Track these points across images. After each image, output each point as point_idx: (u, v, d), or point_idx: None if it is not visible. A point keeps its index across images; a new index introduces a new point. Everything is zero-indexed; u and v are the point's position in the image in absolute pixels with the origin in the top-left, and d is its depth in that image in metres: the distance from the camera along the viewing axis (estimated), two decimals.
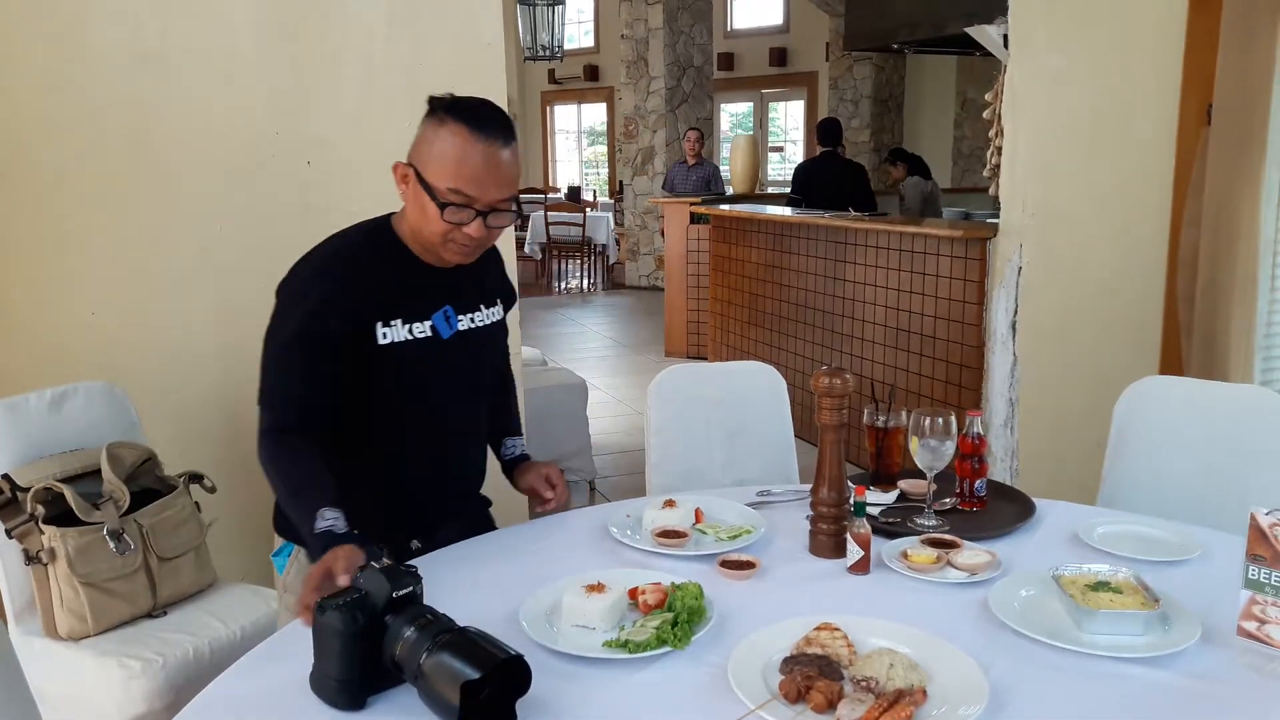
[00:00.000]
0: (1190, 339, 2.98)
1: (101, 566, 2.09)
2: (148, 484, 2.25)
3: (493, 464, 1.99)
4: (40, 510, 2.07)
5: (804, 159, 7.08)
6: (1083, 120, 3.43)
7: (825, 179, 6.90)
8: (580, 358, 7.28)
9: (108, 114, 2.55)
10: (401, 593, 1.30)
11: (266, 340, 1.67)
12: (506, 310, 1.95)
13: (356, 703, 1.27)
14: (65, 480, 2.12)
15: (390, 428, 1.75)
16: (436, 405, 1.78)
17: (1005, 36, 3.74)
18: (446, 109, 1.62)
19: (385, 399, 1.72)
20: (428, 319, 1.72)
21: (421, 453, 1.78)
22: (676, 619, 1.40)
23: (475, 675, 1.17)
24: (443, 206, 1.59)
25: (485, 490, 1.98)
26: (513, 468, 1.98)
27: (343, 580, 1.37)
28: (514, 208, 1.66)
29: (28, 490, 2.08)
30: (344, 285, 1.66)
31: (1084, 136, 3.44)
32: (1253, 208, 2.79)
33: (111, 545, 2.12)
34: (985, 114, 4.23)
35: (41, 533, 2.07)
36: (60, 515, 2.09)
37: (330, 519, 1.51)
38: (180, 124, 2.63)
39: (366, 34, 2.76)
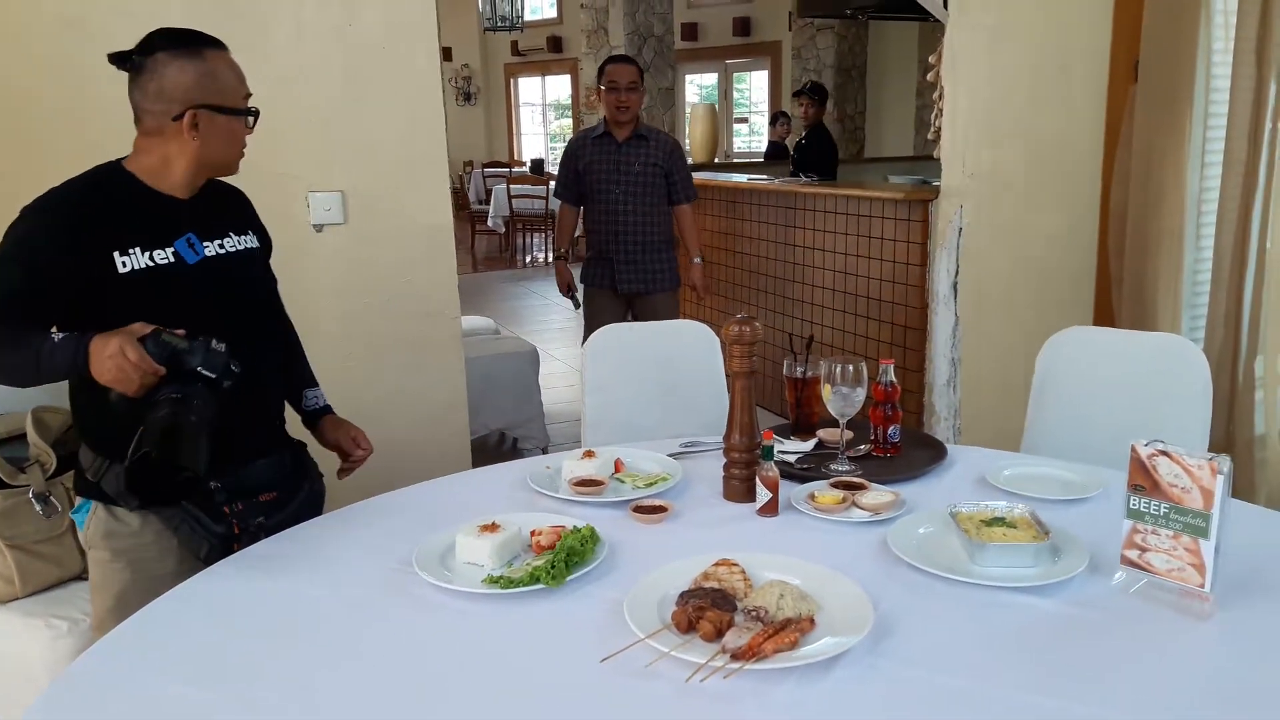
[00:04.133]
0: (1121, 293, 3.04)
1: (28, 529, 2.10)
2: (75, 449, 2.24)
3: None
4: None
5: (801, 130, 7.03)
6: (1019, 80, 3.46)
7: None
8: (541, 329, 7.29)
9: (33, 80, 2.53)
10: (206, 371, 1.56)
11: None
12: (263, 244, 1.94)
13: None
14: None
15: None
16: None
17: None
18: (185, 44, 1.70)
19: None
20: (169, 245, 1.72)
21: None
22: (554, 559, 1.43)
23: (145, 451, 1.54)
24: (254, 115, 1.76)
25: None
26: (316, 420, 2.01)
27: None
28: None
29: None
30: (80, 209, 1.66)
31: (1020, 96, 3.47)
32: (1178, 163, 2.83)
33: (38, 508, 2.12)
34: (929, 76, 4.25)
35: None
36: None
37: (63, 334, 1.57)
38: (109, 89, 2.59)
39: None
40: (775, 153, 9.33)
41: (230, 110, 1.72)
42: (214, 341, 1.59)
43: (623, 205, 4.01)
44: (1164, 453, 1.40)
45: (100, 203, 1.69)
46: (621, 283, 4.07)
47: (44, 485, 2.13)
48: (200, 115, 1.69)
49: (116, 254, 1.66)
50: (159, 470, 1.61)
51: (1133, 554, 1.44)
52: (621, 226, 4.03)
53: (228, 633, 1.37)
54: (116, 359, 1.51)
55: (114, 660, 1.32)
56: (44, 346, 1.56)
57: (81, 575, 2.19)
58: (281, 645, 1.33)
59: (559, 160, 4.26)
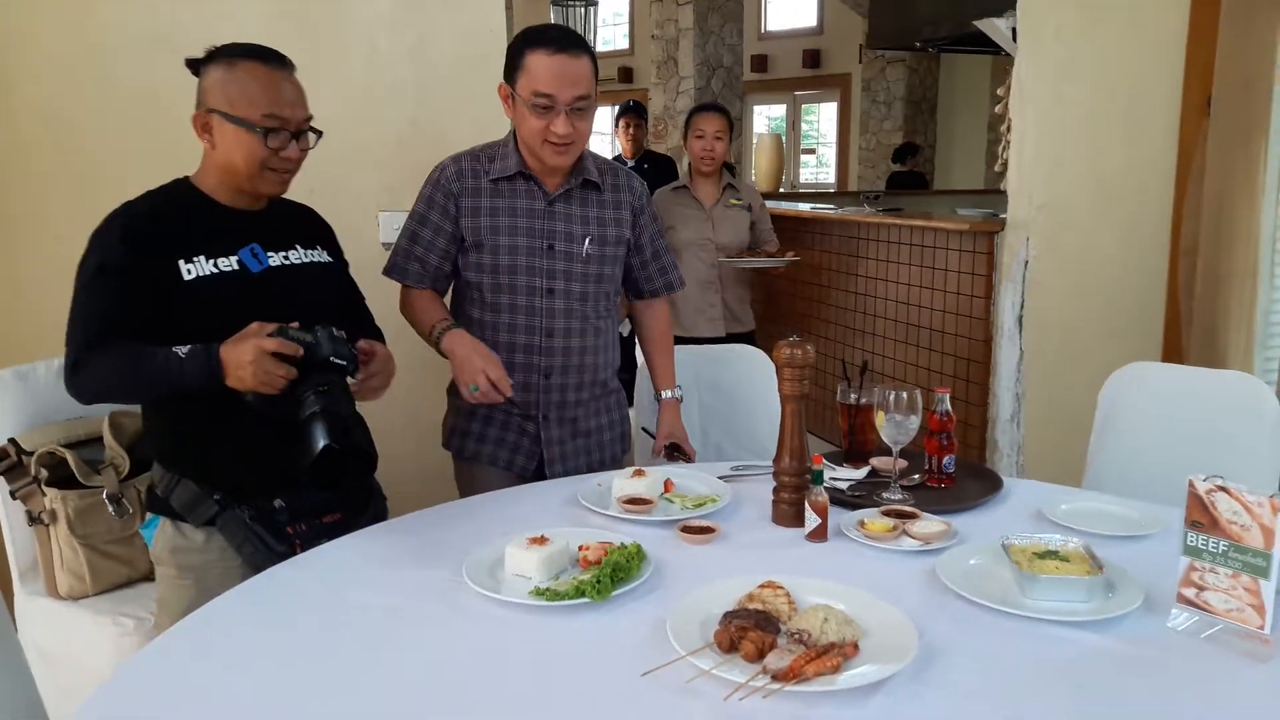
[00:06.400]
0: (1190, 332, 2.97)
1: (100, 529, 2.17)
2: (148, 453, 2.32)
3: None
4: (44, 473, 2.16)
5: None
6: (1088, 113, 3.42)
7: None
8: None
9: (121, 99, 2.65)
10: (338, 360, 1.64)
11: (75, 284, 1.70)
12: (336, 259, 1.98)
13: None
14: (69, 446, 2.20)
15: None
16: None
17: (1015, 30, 3.74)
18: (230, 55, 1.74)
19: (204, 341, 1.65)
20: (233, 254, 1.76)
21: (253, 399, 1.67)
22: (600, 574, 1.44)
23: (327, 444, 1.56)
24: (265, 133, 1.71)
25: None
26: None
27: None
28: (314, 129, 1.81)
29: (32, 454, 2.17)
30: (145, 221, 1.72)
31: (1090, 129, 3.43)
32: (1251, 198, 2.77)
33: (110, 509, 2.19)
34: (997, 109, 4.22)
35: (44, 494, 2.15)
36: (63, 479, 2.18)
37: (187, 347, 1.61)
38: (191, 108, 2.72)
39: (373, 20, 2.84)
40: (902, 184, 9.10)
41: (236, 119, 1.71)
42: (334, 330, 1.65)
43: (560, 316, 2.10)
44: (1223, 489, 1.38)
45: (165, 213, 1.75)
46: (552, 460, 2.15)
47: (117, 487, 2.21)
48: (212, 119, 1.74)
49: (182, 262, 1.71)
50: (342, 463, 1.60)
51: (1189, 592, 1.41)
52: (553, 359, 2.10)
53: (279, 635, 1.40)
54: (259, 363, 1.57)
55: (167, 659, 1.36)
56: (172, 362, 1.60)
57: (149, 576, 2.26)
58: (330, 648, 1.36)
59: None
